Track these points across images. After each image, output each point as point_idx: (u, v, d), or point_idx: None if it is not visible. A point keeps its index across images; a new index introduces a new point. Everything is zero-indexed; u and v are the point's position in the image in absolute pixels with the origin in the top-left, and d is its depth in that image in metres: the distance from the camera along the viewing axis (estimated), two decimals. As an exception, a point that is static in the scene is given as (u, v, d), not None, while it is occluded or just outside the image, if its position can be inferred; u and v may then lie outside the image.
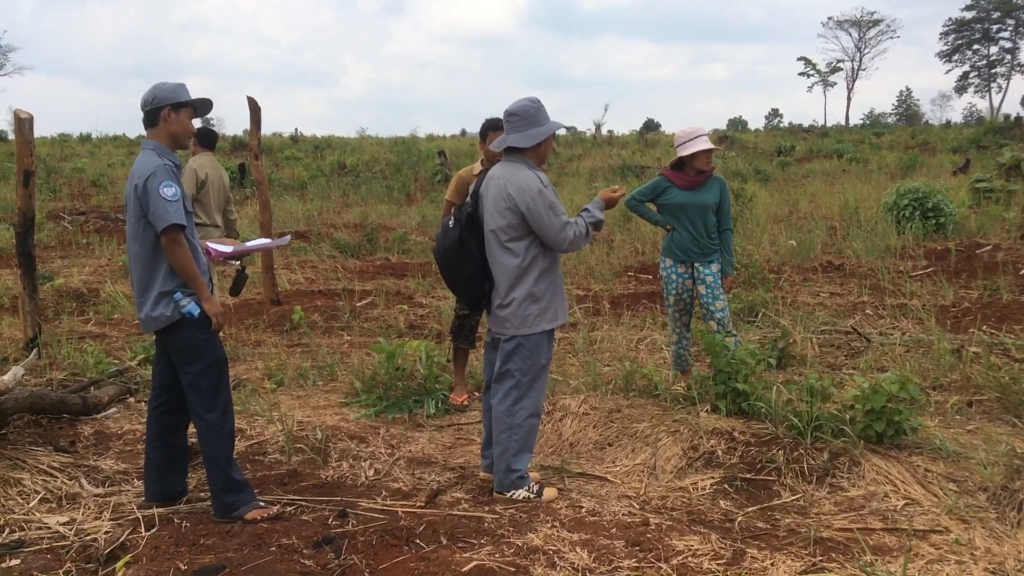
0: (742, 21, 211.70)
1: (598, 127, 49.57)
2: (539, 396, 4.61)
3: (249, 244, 4.81)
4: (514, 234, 4.42)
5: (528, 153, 4.50)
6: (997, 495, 4.40)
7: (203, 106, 4.41)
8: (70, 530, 4.14)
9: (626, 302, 9.84)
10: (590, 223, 4.53)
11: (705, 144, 6.08)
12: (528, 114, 4.47)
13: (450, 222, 4.65)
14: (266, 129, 47.93)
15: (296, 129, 48.89)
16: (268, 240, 4.70)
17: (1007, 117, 49.64)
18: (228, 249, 4.65)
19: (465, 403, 6.29)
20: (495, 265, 4.52)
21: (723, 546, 3.95)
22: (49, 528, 4.18)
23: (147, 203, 4.07)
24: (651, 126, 75.75)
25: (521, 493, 4.56)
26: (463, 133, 61.84)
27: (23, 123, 6.98)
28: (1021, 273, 10.57)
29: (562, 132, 4.73)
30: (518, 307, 4.46)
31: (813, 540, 4.04)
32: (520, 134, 4.47)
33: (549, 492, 4.61)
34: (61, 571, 3.75)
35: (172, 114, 4.25)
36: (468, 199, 4.73)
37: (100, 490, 4.70)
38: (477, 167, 6.25)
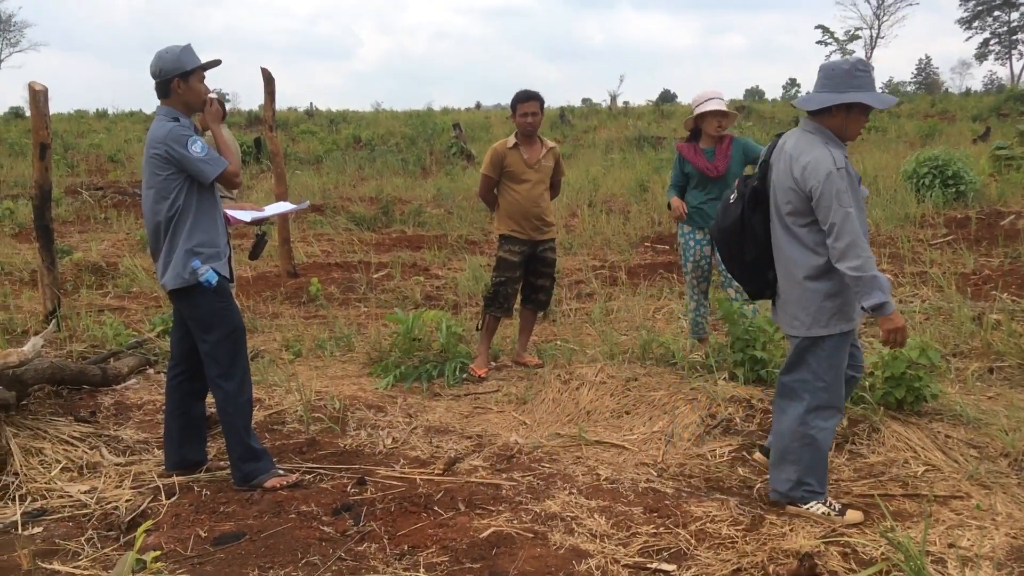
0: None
1: (613, 98, 49.14)
2: (835, 403, 3.93)
3: (268, 209, 4.79)
4: (801, 220, 3.76)
5: (826, 122, 3.78)
6: (1019, 461, 4.37)
7: (210, 67, 4.39)
8: (91, 498, 4.18)
9: (643, 272, 9.80)
10: (879, 291, 3.58)
11: (712, 105, 6.01)
12: (832, 73, 3.75)
13: (732, 196, 4.05)
14: (281, 103, 47.82)
15: (311, 103, 48.68)
16: (289, 205, 4.70)
17: (1029, 84, 48.89)
18: (247, 216, 4.65)
19: (484, 376, 6.28)
20: (777, 251, 3.91)
21: (742, 512, 3.94)
22: (71, 496, 4.22)
23: (187, 168, 4.13)
24: (667, 97, 74.92)
25: (820, 508, 3.93)
26: (478, 106, 61.50)
27: (38, 95, 6.98)
28: (1043, 240, 10.45)
29: (879, 105, 3.70)
30: (807, 303, 3.81)
31: (832, 506, 4.02)
32: (810, 95, 3.83)
33: (853, 515, 3.90)
34: (83, 538, 3.79)
35: (182, 83, 4.23)
36: (757, 168, 4.06)
37: (121, 459, 4.74)
38: (512, 140, 6.25)
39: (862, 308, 3.68)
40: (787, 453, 3.97)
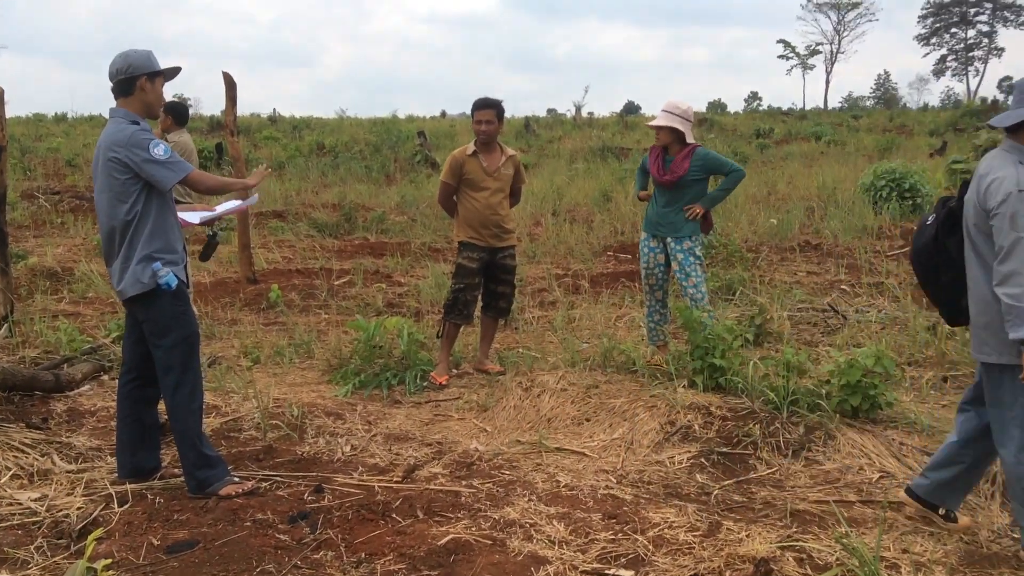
0: (723, 4, 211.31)
1: (578, 109, 49.41)
2: None
3: (219, 208, 4.70)
4: (990, 240, 3.47)
5: (1018, 138, 3.50)
6: (971, 468, 4.42)
7: (172, 74, 4.35)
8: (42, 506, 4.09)
9: (605, 281, 9.84)
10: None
11: (655, 122, 6.11)
12: None
13: (929, 218, 3.82)
14: (244, 110, 47.49)
15: (274, 110, 48.43)
16: (237, 202, 4.63)
17: (984, 100, 49.98)
18: (196, 218, 4.58)
19: (445, 383, 6.25)
20: (968, 274, 3.62)
21: (699, 518, 3.96)
22: (20, 504, 4.12)
23: (147, 173, 4.04)
24: (631, 108, 75.56)
25: None
26: (443, 114, 61.49)
27: (-7, 97, 6.86)
28: (996, 252, 10.63)
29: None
30: (996, 328, 3.47)
31: (789, 512, 4.05)
32: (1006, 113, 3.54)
33: None
34: (32, 546, 3.71)
35: (148, 83, 4.18)
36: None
37: (72, 466, 4.65)
38: (471, 147, 6.25)
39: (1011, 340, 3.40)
40: (1012, 492, 3.66)
